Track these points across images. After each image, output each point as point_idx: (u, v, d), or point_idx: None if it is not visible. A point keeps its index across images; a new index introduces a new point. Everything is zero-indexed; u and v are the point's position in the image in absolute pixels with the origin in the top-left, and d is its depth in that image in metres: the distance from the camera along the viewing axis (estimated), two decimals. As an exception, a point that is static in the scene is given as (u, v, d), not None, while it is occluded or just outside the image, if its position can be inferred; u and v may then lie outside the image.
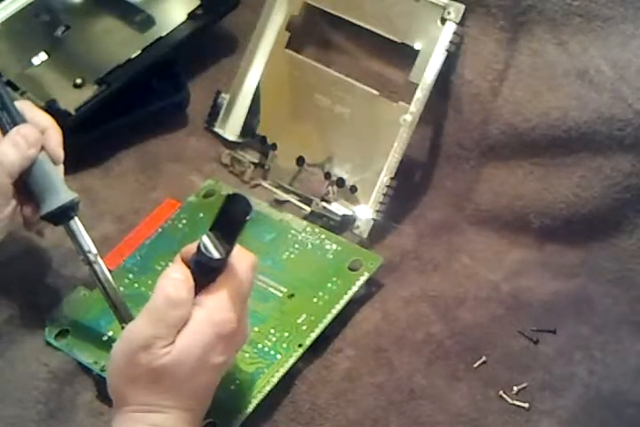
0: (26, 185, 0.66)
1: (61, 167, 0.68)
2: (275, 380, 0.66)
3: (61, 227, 0.67)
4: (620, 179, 0.72)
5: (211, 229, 0.57)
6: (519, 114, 0.74)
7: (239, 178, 0.85)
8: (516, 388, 0.66)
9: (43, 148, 0.66)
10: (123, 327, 0.67)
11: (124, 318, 0.66)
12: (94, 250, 0.66)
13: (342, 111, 0.80)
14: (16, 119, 0.66)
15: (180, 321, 0.57)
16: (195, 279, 0.58)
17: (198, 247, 0.57)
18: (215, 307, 0.57)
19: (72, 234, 0.66)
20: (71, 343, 0.71)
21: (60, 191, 0.66)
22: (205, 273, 0.58)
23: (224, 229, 0.56)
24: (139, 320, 0.57)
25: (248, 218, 0.55)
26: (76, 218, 0.66)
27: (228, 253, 0.57)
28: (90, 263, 0.66)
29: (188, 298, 0.57)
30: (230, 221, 0.56)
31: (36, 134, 0.66)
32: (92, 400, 0.68)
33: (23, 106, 0.68)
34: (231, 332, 0.58)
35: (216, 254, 0.57)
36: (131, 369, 0.57)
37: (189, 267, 0.58)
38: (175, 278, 0.57)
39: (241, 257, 0.59)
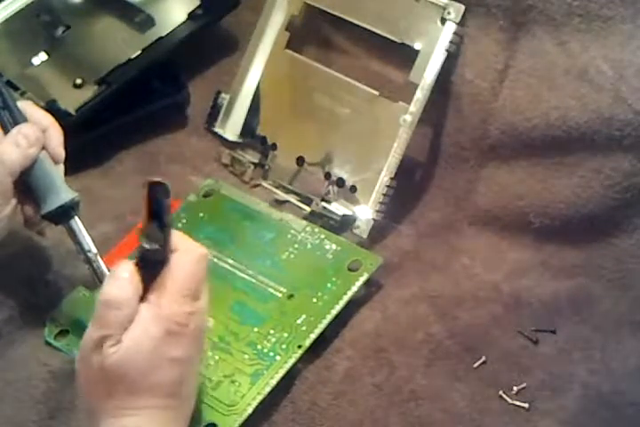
0: (26, 184, 0.66)
1: (62, 167, 0.68)
2: (274, 381, 0.66)
3: (61, 226, 0.67)
4: (619, 179, 0.72)
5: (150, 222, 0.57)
6: (519, 114, 0.74)
7: (239, 178, 0.85)
8: (515, 388, 0.66)
9: (43, 147, 0.66)
10: None
11: None
12: (94, 249, 0.66)
13: (342, 111, 0.80)
14: (17, 118, 0.66)
15: (124, 320, 0.56)
16: (144, 275, 0.58)
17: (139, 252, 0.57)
18: (159, 302, 0.57)
19: (72, 233, 0.66)
20: (71, 343, 0.71)
21: (61, 191, 0.66)
22: (150, 267, 0.58)
23: (154, 219, 0.56)
24: (90, 324, 0.57)
25: (167, 204, 0.55)
26: (77, 217, 0.66)
27: (163, 242, 0.57)
28: (90, 262, 0.66)
29: (129, 297, 0.56)
30: (155, 210, 0.56)
31: (38, 133, 0.66)
32: (92, 400, 0.68)
33: (25, 106, 0.68)
34: (181, 326, 0.57)
35: (152, 245, 0.56)
36: (87, 374, 0.57)
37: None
38: (118, 278, 0.57)
39: (186, 251, 0.59)
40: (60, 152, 0.67)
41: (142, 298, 0.57)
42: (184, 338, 0.58)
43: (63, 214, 0.66)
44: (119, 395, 0.56)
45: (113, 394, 0.56)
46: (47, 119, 0.68)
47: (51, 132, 0.67)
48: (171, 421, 0.58)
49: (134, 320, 0.56)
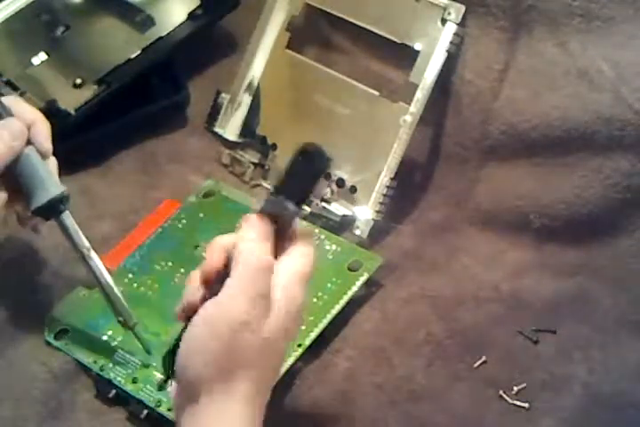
0: (15, 180, 0.65)
1: (52, 162, 0.67)
2: (274, 380, 0.66)
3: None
4: (619, 179, 0.72)
5: (277, 192, 0.55)
6: (519, 114, 0.74)
7: (239, 178, 0.85)
8: (515, 388, 0.66)
9: (30, 142, 0.65)
10: (119, 321, 0.67)
11: (120, 311, 0.66)
12: (87, 244, 0.66)
13: (342, 111, 0.80)
14: (1, 114, 0.65)
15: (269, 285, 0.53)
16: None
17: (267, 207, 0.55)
18: (290, 284, 0.54)
19: (64, 228, 0.66)
20: (70, 343, 0.71)
21: (50, 185, 0.65)
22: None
23: (294, 186, 0.54)
24: (230, 296, 0.53)
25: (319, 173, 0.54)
26: (68, 212, 0.66)
27: (298, 211, 0.55)
28: (83, 257, 0.66)
29: (271, 263, 0.54)
30: (303, 177, 0.54)
31: (21, 127, 0.64)
32: (92, 400, 0.68)
33: (10, 101, 0.67)
34: (300, 309, 0.55)
35: (292, 210, 0.54)
36: (223, 348, 0.52)
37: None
38: (253, 240, 0.54)
39: (305, 243, 0.56)
40: (48, 147, 0.66)
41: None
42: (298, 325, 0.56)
43: (53, 209, 0.65)
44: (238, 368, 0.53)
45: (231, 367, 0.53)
46: (33, 114, 0.67)
47: (37, 127, 0.66)
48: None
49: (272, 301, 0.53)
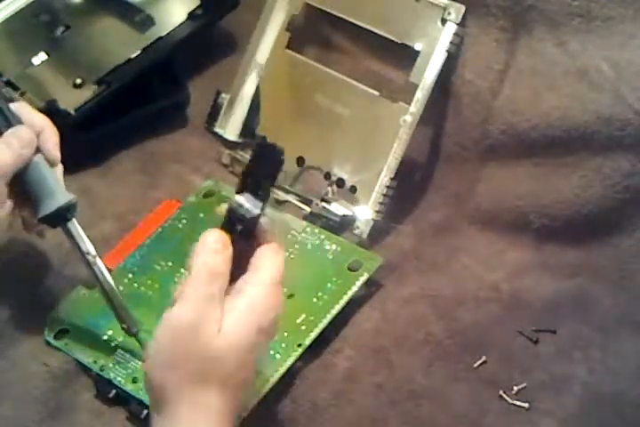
0: (22, 187, 0.65)
1: (60, 169, 0.67)
2: (274, 380, 0.66)
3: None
4: (619, 179, 0.72)
5: (239, 192, 0.56)
6: (519, 114, 0.74)
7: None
8: (516, 388, 0.66)
9: (39, 150, 0.65)
10: (123, 328, 0.67)
11: (124, 318, 0.66)
12: (93, 251, 0.66)
13: (342, 111, 0.80)
14: (11, 121, 0.65)
15: (222, 294, 0.54)
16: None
17: (231, 210, 0.56)
18: (257, 295, 0.55)
19: (70, 236, 0.66)
20: (70, 343, 0.71)
21: (57, 193, 0.65)
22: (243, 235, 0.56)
23: (255, 184, 0.56)
24: (182, 301, 0.54)
25: (281, 168, 0.55)
26: (74, 220, 0.66)
27: (263, 208, 0.56)
28: (89, 264, 0.66)
29: (225, 269, 0.55)
30: (262, 172, 0.56)
31: (30, 135, 0.65)
32: (92, 400, 0.68)
33: (20, 108, 0.67)
34: (272, 323, 0.56)
35: (255, 210, 0.56)
36: (180, 353, 0.54)
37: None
38: (214, 249, 0.55)
39: (272, 249, 0.57)
40: (56, 155, 0.66)
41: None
42: (269, 337, 0.57)
43: (60, 217, 0.65)
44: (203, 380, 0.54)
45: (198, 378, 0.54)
46: (42, 121, 0.67)
47: (46, 135, 0.66)
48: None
49: (230, 312, 0.54)
